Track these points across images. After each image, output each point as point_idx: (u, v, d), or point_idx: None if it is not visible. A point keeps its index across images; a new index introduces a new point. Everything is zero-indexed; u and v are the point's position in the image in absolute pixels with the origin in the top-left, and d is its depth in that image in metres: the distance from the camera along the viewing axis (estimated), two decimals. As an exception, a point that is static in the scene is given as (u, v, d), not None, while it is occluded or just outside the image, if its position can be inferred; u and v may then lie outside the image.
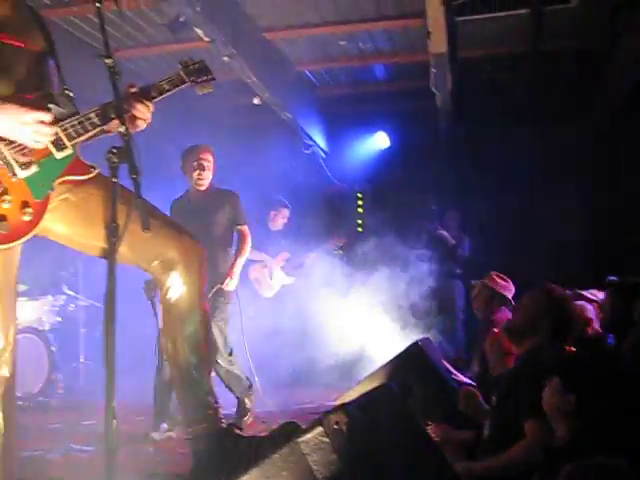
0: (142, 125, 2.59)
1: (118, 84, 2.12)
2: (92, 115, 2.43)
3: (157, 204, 2.77)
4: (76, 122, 2.41)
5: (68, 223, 2.57)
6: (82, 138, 2.44)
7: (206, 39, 6.00)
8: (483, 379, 4.46)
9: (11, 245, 2.35)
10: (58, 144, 2.38)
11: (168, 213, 4.90)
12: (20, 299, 5.66)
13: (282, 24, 7.04)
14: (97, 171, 2.52)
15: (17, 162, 2.32)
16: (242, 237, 5.41)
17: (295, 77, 8.37)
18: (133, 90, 2.57)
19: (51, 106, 2.38)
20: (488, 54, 7.73)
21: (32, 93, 2.45)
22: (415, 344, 4.34)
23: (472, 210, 8.63)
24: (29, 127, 2.27)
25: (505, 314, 4.69)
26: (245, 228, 5.44)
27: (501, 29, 7.01)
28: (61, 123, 2.39)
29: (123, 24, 6.47)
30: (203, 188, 5.29)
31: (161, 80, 2.68)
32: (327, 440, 2.05)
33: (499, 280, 4.96)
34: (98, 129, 2.45)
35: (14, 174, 2.32)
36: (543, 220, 8.52)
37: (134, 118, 2.54)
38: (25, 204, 2.34)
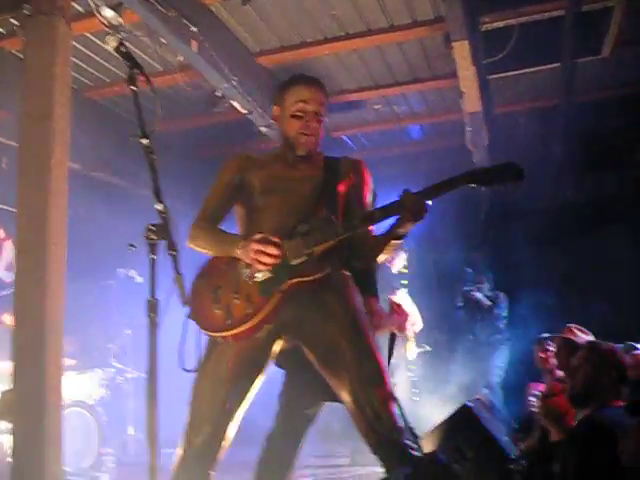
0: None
1: (155, 164, 2.18)
2: (338, 226, 2.57)
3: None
4: (319, 231, 2.54)
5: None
6: (321, 247, 2.55)
7: (243, 111, 6.16)
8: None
9: (230, 333, 2.53)
10: (297, 252, 2.53)
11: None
12: (69, 373, 5.73)
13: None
14: (327, 271, 2.59)
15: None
16: None
17: (333, 143, 8.49)
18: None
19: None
20: (523, 109, 7.76)
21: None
22: (464, 406, 4.25)
23: (513, 267, 8.51)
24: (252, 249, 2.48)
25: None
26: None
27: (534, 84, 7.05)
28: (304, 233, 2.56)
29: (159, 99, 6.62)
30: None
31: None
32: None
33: (579, 332, 4.66)
34: (341, 238, 2.56)
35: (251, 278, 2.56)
36: (590, 273, 8.36)
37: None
38: (249, 298, 2.53)
